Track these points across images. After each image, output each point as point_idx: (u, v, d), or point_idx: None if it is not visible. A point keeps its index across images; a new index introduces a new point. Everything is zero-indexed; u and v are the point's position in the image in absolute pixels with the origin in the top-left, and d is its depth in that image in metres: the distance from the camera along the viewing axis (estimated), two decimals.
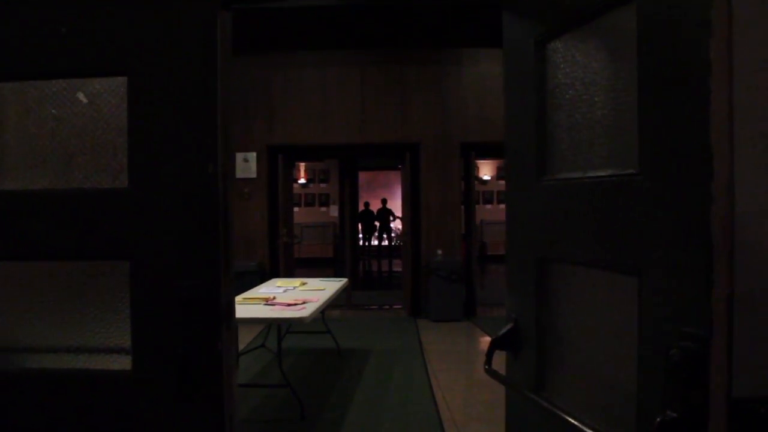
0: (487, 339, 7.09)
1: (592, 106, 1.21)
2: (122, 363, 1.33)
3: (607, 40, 1.18)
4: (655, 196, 0.96)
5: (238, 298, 4.74)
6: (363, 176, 15.78)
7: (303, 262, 12.87)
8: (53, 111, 1.37)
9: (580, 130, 1.26)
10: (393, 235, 16.01)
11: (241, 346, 6.03)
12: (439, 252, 8.09)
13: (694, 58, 0.86)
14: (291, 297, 4.83)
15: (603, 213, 1.12)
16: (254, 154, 8.26)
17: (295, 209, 10.46)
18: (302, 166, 16.48)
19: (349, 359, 6.00)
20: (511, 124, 1.54)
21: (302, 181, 16.66)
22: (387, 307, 9.06)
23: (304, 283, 5.79)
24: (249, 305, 4.48)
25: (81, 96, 1.38)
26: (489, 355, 1.41)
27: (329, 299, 4.99)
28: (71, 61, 1.35)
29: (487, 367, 1.38)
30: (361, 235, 15.39)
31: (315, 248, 15.65)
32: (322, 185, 17.06)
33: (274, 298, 4.76)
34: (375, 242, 16.16)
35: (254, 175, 8.27)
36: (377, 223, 15.93)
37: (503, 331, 1.46)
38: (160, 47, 1.33)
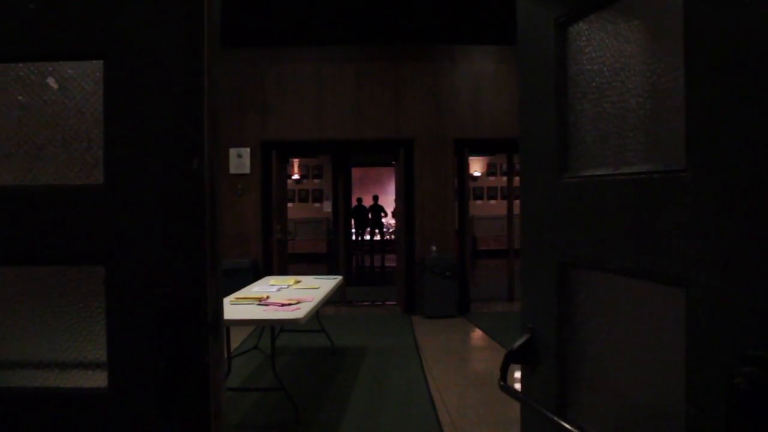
0: (481, 335, 7.00)
1: (624, 94, 1.07)
2: (97, 380, 1.19)
3: (643, 17, 1.04)
4: (709, 195, 0.83)
5: (231, 298, 4.59)
6: (355, 172, 15.69)
7: (296, 257, 12.77)
8: (19, 98, 1.23)
9: (608, 122, 1.13)
10: (384, 230, 15.93)
11: (234, 346, 5.88)
12: (434, 248, 8.00)
13: (764, 31, 0.73)
14: (285, 296, 4.69)
15: (639, 215, 0.99)
16: (248, 149, 8.13)
17: (289, 205, 10.33)
18: (296, 162, 16.35)
19: (344, 358, 5.87)
20: (527, 116, 1.41)
21: (296, 177, 16.52)
22: (380, 303, 8.96)
23: (298, 281, 5.66)
24: (242, 305, 4.33)
25: (51, 81, 1.23)
26: (504, 369, 1.28)
27: (324, 299, 4.86)
28: (41, 42, 1.20)
29: (502, 383, 1.25)
30: (354, 230, 15.34)
31: (308, 244, 15.60)
32: (316, 181, 16.96)
33: (268, 297, 4.62)
34: (367, 237, 16.10)
35: (248, 171, 8.14)
36: (370, 217, 15.88)
37: (519, 342, 1.33)
38: (142, 27, 1.18)
